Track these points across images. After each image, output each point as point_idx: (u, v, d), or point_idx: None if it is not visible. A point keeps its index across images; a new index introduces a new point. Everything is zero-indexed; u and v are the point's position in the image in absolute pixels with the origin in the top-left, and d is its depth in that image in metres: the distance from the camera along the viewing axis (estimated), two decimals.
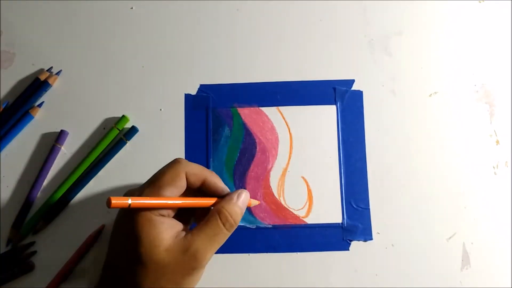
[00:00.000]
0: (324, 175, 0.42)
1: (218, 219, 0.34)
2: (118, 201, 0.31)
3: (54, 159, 0.43)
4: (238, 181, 0.42)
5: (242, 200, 0.36)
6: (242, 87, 0.44)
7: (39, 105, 0.44)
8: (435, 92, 0.44)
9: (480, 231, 0.41)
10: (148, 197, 0.33)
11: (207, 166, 0.43)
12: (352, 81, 0.44)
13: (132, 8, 0.46)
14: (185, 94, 0.44)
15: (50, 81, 0.43)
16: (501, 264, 0.41)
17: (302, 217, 0.42)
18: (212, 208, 0.35)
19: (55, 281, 0.40)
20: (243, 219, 0.42)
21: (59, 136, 0.43)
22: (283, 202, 0.42)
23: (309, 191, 0.42)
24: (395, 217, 0.41)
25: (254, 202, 0.40)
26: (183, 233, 0.34)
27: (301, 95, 0.44)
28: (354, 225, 0.41)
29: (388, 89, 0.44)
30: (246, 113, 0.44)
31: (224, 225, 0.34)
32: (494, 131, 0.43)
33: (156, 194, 0.33)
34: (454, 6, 0.46)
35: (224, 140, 0.43)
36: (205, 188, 0.35)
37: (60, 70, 0.44)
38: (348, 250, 0.41)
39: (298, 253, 0.41)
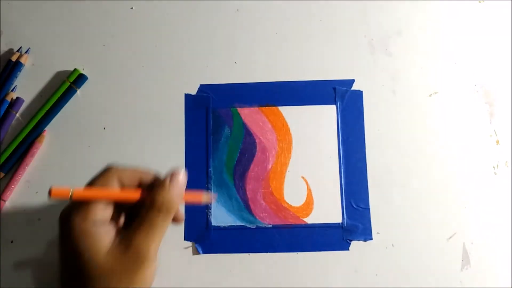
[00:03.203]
0: (324, 175, 0.42)
1: (153, 208, 0.32)
2: (59, 191, 0.30)
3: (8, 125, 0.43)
4: (238, 181, 0.42)
5: (177, 183, 0.33)
6: (242, 87, 0.44)
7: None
8: (435, 92, 0.44)
9: (480, 231, 0.41)
10: (88, 189, 0.32)
11: (207, 166, 0.43)
12: (352, 81, 0.44)
13: (132, 8, 0.46)
14: (185, 94, 0.44)
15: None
16: (501, 264, 0.41)
17: (302, 217, 0.42)
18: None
19: (7, 192, 0.42)
20: (243, 219, 0.42)
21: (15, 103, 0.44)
22: (283, 202, 0.42)
23: (309, 191, 0.42)
24: (395, 217, 0.41)
25: (205, 198, 0.39)
26: (123, 234, 0.33)
27: (301, 95, 0.44)
28: (354, 225, 0.41)
29: (388, 89, 0.44)
30: (246, 113, 0.44)
31: (159, 213, 0.32)
32: (494, 131, 0.43)
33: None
34: (454, 6, 0.46)
35: (224, 140, 0.43)
36: (144, 186, 0.34)
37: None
38: (348, 250, 0.41)
39: (298, 253, 0.41)
